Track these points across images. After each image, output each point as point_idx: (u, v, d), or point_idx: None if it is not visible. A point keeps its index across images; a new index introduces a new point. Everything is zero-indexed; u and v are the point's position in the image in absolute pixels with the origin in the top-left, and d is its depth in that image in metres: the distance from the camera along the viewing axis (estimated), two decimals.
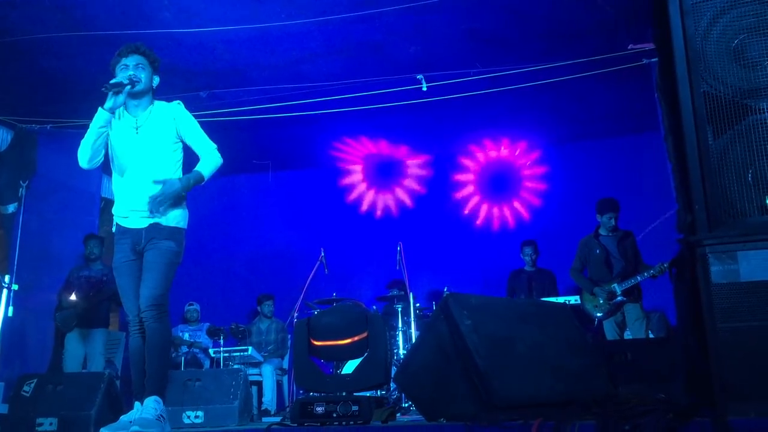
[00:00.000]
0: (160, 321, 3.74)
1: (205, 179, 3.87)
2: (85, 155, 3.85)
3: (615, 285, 6.64)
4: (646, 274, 6.49)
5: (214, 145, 3.95)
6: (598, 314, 6.74)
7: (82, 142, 3.84)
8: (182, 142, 3.99)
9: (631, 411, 2.40)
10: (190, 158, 4.05)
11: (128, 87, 3.77)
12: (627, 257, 6.72)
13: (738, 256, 2.74)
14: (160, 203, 3.76)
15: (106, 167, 4.04)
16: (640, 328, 6.62)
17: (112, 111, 3.79)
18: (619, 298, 6.61)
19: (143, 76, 3.87)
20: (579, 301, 7.06)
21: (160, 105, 3.99)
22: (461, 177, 9.62)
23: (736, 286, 2.71)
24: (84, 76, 6.33)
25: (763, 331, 2.62)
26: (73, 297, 7.02)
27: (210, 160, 3.91)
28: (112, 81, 3.75)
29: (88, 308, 7.04)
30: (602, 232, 6.91)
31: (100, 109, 3.79)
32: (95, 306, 7.12)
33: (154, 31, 5.82)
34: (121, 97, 3.77)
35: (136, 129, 3.90)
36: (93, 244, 7.40)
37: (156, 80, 4.01)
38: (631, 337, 6.68)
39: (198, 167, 3.89)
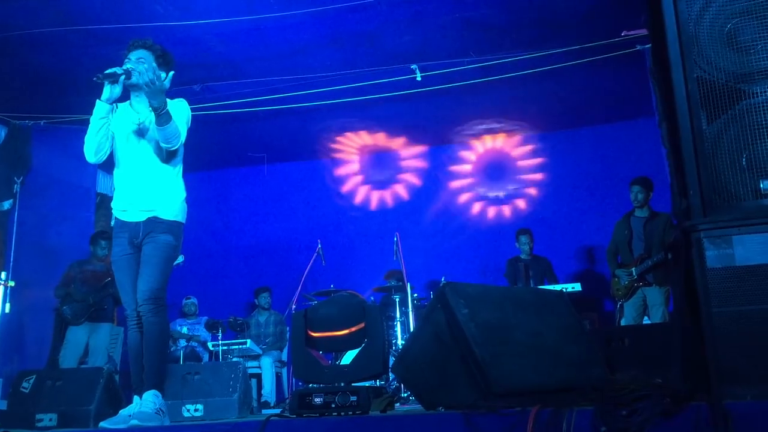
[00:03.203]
0: (158, 315, 3.75)
1: (166, 121, 3.66)
2: (90, 149, 3.86)
3: (633, 268, 6.52)
4: (656, 257, 6.32)
5: (181, 140, 3.84)
6: (619, 297, 6.68)
7: (86, 136, 3.85)
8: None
9: (628, 396, 2.41)
10: (188, 156, 4.05)
11: (123, 77, 3.75)
12: (652, 239, 6.48)
13: (733, 240, 2.73)
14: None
15: (102, 163, 4.04)
16: (657, 314, 6.40)
17: (109, 101, 3.79)
18: (634, 280, 6.49)
19: (142, 69, 3.84)
20: (578, 288, 7.07)
21: None
22: (457, 166, 9.61)
23: (732, 271, 2.70)
24: (78, 71, 6.29)
25: (758, 314, 2.62)
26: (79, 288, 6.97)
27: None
28: (106, 71, 3.74)
29: (98, 301, 7.00)
30: (636, 213, 6.71)
31: (98, 101, 3.79)
32: (103, 299, 7.06)
33: (147, 25, 5.80)
34: (117, 88, 3.76)
35: (138, 125, 3.89)
36: (105, 245, 7.10)
37: (161, 75, 3.95)
38: (649, 321, 6.49)
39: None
